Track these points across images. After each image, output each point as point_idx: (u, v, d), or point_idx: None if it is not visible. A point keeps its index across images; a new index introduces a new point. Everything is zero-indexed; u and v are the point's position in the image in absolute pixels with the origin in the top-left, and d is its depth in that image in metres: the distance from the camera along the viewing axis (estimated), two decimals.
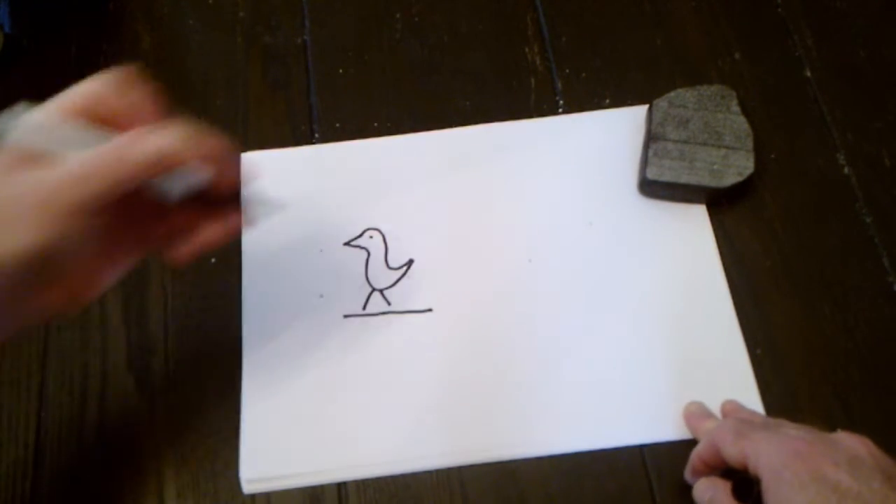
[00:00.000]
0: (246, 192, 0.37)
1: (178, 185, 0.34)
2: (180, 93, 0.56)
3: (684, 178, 0.49)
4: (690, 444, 0.43)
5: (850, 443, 0.35)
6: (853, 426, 0.44)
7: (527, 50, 0.57)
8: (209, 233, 0.36)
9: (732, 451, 0.37)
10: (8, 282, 0.31)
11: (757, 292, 0.48)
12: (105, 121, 0.32)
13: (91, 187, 0.30)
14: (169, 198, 0.34)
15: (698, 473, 0.41)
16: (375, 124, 0.54)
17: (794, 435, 0.36)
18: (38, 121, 0.31)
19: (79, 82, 0.33)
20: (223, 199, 0.36)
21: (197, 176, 0.33)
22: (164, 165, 0.31)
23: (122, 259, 0.36)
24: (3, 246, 0.30)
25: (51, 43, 0.58)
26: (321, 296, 0.48)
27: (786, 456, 0.34)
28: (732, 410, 0.43)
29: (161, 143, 0.31)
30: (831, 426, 0.44)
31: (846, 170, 0.51)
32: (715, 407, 0.44)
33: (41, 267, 0.31)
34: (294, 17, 0.59)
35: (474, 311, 0.48)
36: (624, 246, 0.49)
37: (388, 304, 0.48)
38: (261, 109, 0.55)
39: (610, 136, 0.53)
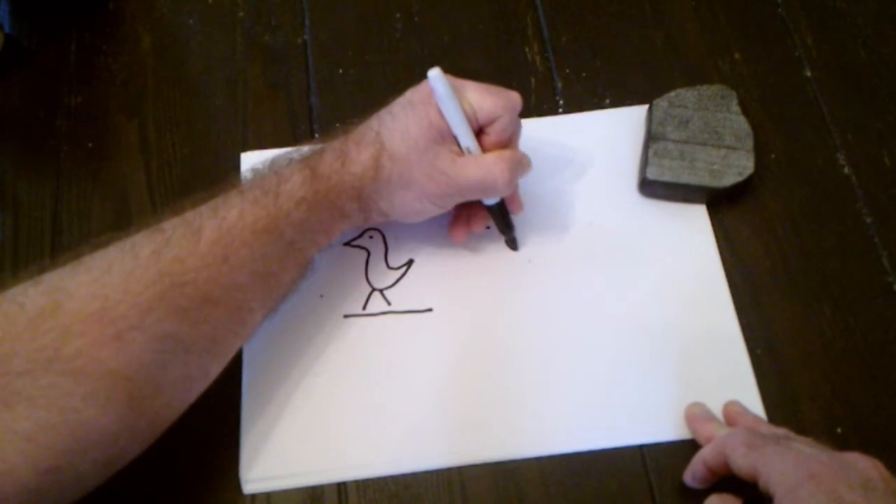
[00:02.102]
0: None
1: (492, 200, 0.45)
2: (180, 93, 0.56)
3: (684, 178, 0.49)
4: (690, 444, 0.43)
5: (863, 465, 0.35)
6: (853, 426, 0.44)
7: (527, 50, 0.57)
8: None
9: (743, 464, 0.37)
10: (400, 219, 0.45)
11: (757, 292, 0.48)
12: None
13: (474, 193, 0.43)
14: (485, 203, 0.46)
15: (699, 478, 0.41)
16: None
17: (807, 453, 0.36)
18: (436, 87, 0.40)
19: (472, 88, 0.42)
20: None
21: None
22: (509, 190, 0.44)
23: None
24: (417, 203, 0.43)
25: (51, 43, 0.58)
26: (321, 296, 0.48)
27: (801, 475, 0.34)
28: (734, 413, 0.43)
29: (512, 177, 0.43)
30: (831, 426, 0.44)
31: (846, 170, 0.51)
32: (715, 407, 0.44)
33: (417, 216, 0.44)
34: (294, 17, 0.59)
35: (474, 311, 0.48)
36: (624, 246, 0.49)
37: (388, 304, 0.48)
38: (261, 109, 0.55)
39: (610, 136, 0.53)
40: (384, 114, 0.43)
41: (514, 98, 0.43)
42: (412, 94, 0.43)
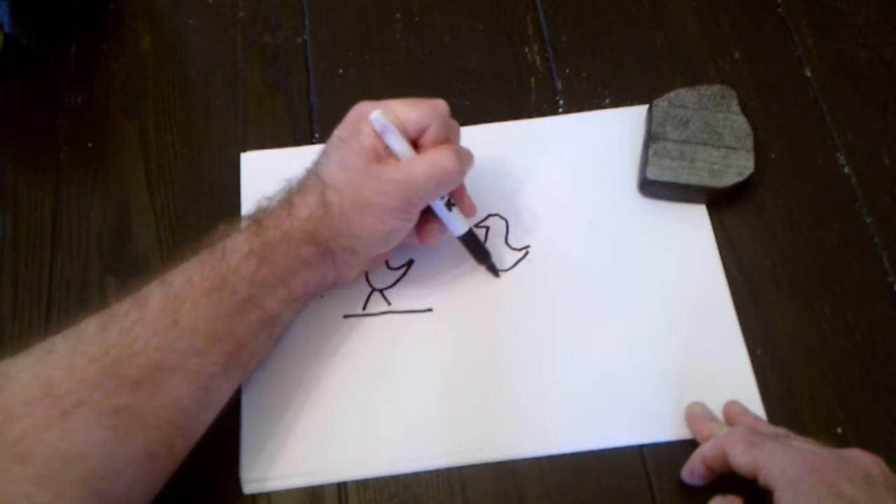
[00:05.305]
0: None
1: (461, 227, 0.46)
2: (180, 93, 0.56)
3: (684, 178, 0.49)
4: (690, 444, 0.43)
5: (863, 460, 0.36)
6: (853, 426, 0.44)
7: (527, 50, 0.57)
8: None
9: (743, 460, 0.37)
10: (371, 252, 0.44)
11: (757, 292, 0.48)
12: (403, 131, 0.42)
13: (430, 189, 0.42)
14: (453, 233, 0.46)
15: (697, 475, 0.41)
16: None
17: (806, 449, 0.36)
18: (384, 125, 0.41)
19: (396, 103, 0.42)
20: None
21: (469, 221, 0.47)
22: (455, 180, 0.43)
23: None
24: (381, 224, 0.41)
25: (51, 43, 0.58)
26: (321, 296, 0.48)
27: (801, 469, 0.35)
28: (735, 413, 0.43)
29: (459, 161, 0.42)
30: (831, 426, 0.44)
31: (846, 170, 0.51)
32: (715, 407, 0.44)
33: (387, 241, 0.43)
34: (294, 17, 0.59)
35: (474, 311, 0.48)
36: (624, 246, 0.49)
37: (388, 304, 0.48)
38: (261, 109, 0.55)
39: (610, 136, 0.53)
40: (319, 157, 0.43)
41: (440, 104, 0.43)
42: (340, 132, 0.43)
